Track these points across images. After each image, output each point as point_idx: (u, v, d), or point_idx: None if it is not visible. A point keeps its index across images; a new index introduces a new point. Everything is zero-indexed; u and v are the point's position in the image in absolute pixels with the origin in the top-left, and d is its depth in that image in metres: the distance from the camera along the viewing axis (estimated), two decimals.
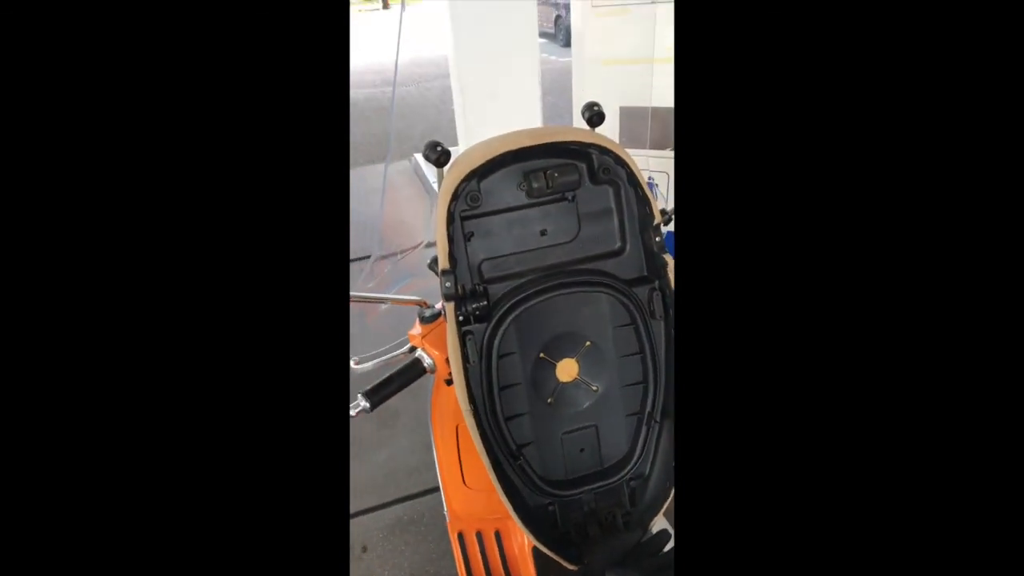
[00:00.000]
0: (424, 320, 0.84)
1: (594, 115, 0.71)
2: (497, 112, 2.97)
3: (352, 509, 1.77)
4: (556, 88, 5.55)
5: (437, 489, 0.98)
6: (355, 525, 1.73)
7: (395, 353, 0.86)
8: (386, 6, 22.07)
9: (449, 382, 0.80)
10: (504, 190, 0.70)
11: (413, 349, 0.85)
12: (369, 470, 1.89)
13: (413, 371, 0.80)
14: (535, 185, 0.69)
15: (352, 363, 0.84)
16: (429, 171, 4.09)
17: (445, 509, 0.96)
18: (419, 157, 4.39)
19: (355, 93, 7.38)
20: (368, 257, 2.76)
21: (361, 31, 15.13)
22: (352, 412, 0.75)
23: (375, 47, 11.63)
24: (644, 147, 2.01)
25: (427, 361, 0.82)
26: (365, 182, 4.30)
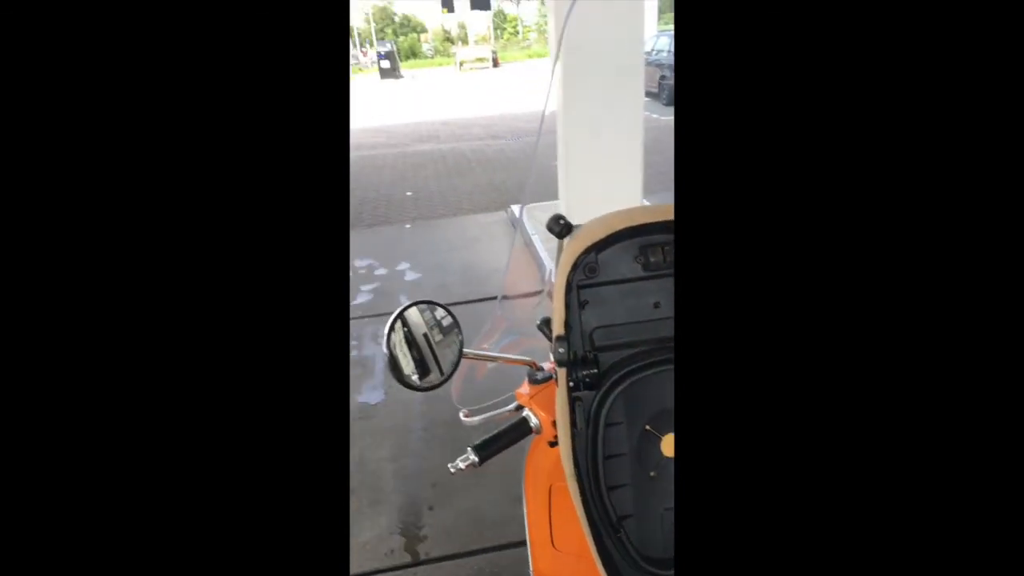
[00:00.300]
0: (534, 381, 0.86)
1: None
2: (599, 168, 3.03)
3: (436, 553, 1.79)
4: (657, 145, 5.58)
5: (522, 544, 0.97)
6: (436, 571, 1.74)
7: (502, 410, 0.89)
8: (496, 64, 23.45)
9: (553, 444, 0.82)
10: (621, 262, 0.73)
11: (520, 408, 0.87)
12: (454, 516, 1.91)
13: (520, 430, 0.83)
14: (652, 259, 0.71)
15: (461, 415, 0.88)
16: (528, 222, 4.21)
17: (530, 568, 0.96)
18: (515, 208, 4.54)
19: (461, 145, 7.83)
20: (494, 298, 2.87)
21: (471, 86, 16.13)
22: (462, 465, 0.78)
23: (483, 102, 12.33)
24: None
25: (533, 421, 0.83)
26: (466, 231, 4.49)
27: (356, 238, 4.50)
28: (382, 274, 3.77)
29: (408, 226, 4.74)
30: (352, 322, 3.14)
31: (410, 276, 3.72)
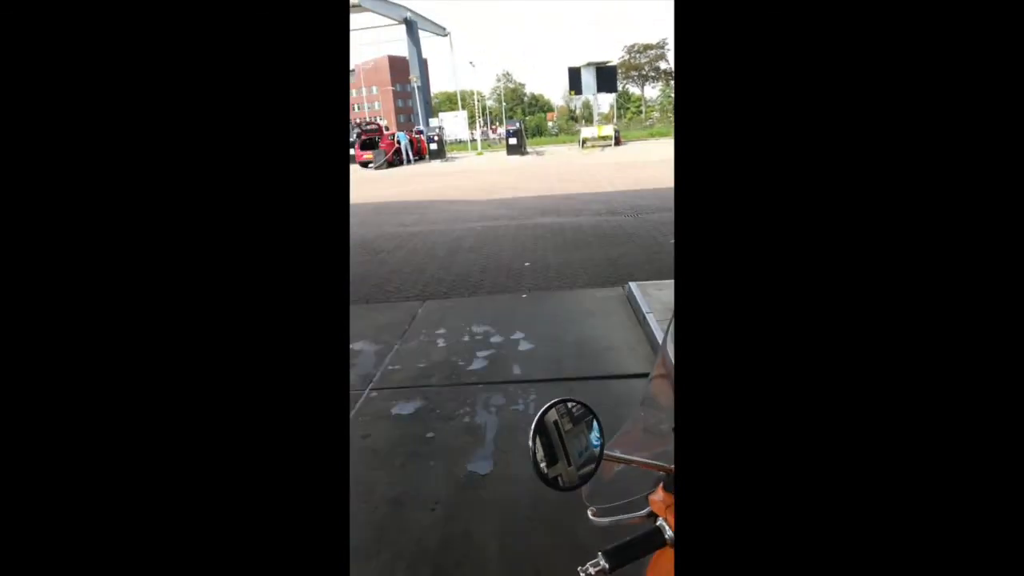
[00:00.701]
0: (670, 490, 0.83)
1: None
2: None
3: None
4: None
5: None
6: None
7: (633, 515, 0.86)
8: (618, 143, 24.08)
9: None
10: None
11: (652, 515, 0.83)
12: None
13: (653, 541, 0.79)
14: None
15: (589, 513, 0.87)
16: (643, 300, 4.15)
17: None
18: (633, 286, 4.50)
19: (580, 220, 8.01)
20: (607, 377, 2.82)
21: (592, 163, 16.61)
22: (592, 570, 0.76)
23: (603, 178, 12.61)
24: None
25: (668, 533, 0.80)
26: (580, 304, 4.52)
27: (475, 305, 4.69)
28: (497, 342, 3.87)
29: (524, 296, 4.86)
30: (466, 387, 3.23)
31: (524, 346, 3.78)
